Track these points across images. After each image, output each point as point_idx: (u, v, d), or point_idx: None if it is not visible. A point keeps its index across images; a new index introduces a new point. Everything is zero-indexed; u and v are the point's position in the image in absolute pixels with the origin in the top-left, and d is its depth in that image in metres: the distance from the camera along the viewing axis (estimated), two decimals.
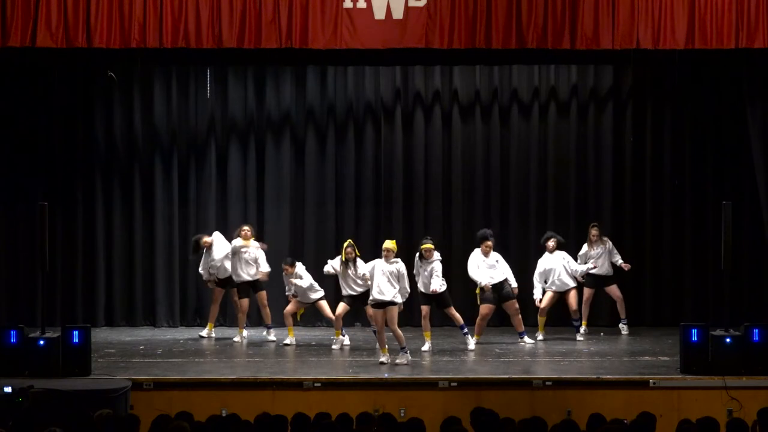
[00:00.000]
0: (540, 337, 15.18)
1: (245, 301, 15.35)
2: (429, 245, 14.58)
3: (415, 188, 16.91)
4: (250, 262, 15.26)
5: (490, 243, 14.84)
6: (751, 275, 16.20)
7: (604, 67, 16.73)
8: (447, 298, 14.58)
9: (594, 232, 15.73)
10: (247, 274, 15.25)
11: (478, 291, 14.82)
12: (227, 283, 15.49)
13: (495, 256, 14.89)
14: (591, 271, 15.47)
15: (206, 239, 15.51)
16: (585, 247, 15.73)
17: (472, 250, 16.60)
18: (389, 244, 13.55)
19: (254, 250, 15.29)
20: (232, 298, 15.65)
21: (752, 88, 14.35)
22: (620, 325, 15.80)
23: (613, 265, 15.73)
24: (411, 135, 16.94)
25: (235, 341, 15.23)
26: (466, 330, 14.48)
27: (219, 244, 15.46)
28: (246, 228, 15.43)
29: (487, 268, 14.78)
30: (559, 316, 15.75)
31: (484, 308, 14.77)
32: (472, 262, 14.85)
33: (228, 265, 15.33)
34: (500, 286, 14.78)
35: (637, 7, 13.43)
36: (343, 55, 14.03)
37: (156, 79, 16.78)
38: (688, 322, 13.02)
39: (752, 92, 14.37)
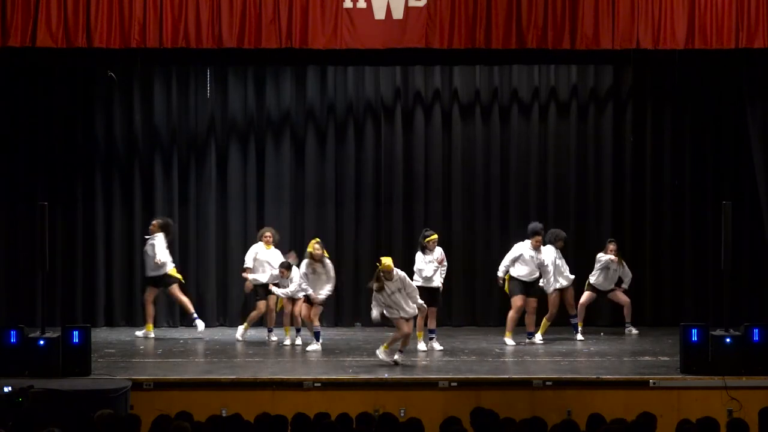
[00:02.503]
0: (539, 337, 15.18)
1: (262, 303, 15.33)
2: (435, 236, 14.62)
3: (415, 188, 16.91)
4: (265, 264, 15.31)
5: (540, 238, 14.81)
6: (751, 275, 16.19)
7: (604, 68, 16.73)
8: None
9: (612, 247, 15.61)
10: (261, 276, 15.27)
11: (507, 278, 14.84)
12: (160, 282, 15.54)
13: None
14: (595, 284, 15.51)
15: (153, 223, 15.63)
16: (605, 257, 15.56)
17: (472, 250, 16.65)
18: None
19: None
20: (173, 293, 15.62)
21: (752, 88, 14.35)
22: (627, 330, 15.74)
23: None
24: (411, 135, 16.94)
25: (239, 339, 15.26)
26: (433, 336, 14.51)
27: (159, 245, 15.49)
28: (268, 234, 15.38)
29: (535, 264, 14.83)
30: (559, 316, 15.74)
31: (518, 300, 14.74)
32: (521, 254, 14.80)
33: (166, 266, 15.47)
34: (535, 281, 14.88)
35: (637, 7, 13.44)
36: (343, 55, 14.02)
37: (156, 79, 16.78)
38: (688, 322, 13.02)
39: (752, 92, 14.36)
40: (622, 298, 15.72)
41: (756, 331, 12.52)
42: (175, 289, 15.63)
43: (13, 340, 12.39)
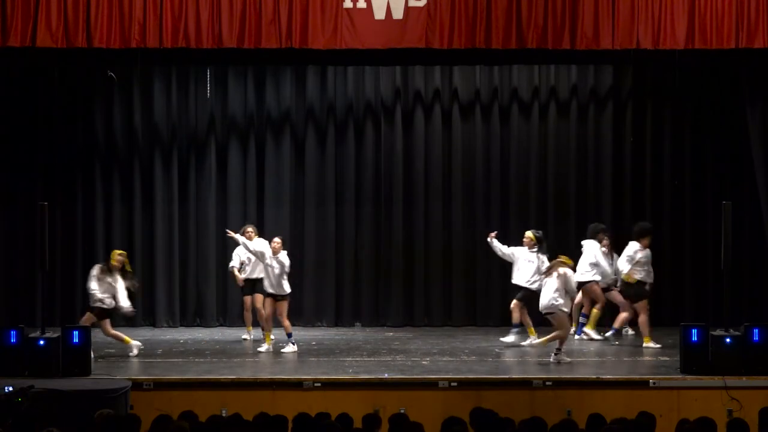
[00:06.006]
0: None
1: (247, 298, 15.32)
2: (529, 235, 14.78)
3: (415, 188, 16.91)
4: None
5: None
6: (751, 275, 16.19)
7: (604, 68, 16.74)
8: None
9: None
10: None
11: (632, 281, 14.67)
12: None
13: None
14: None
15: None
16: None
17: (472, 250, 16.59)
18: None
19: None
20: None
21: (752, 88, 14.35)
22: (624, 330, 15.69)
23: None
24: (411, 134, 16.95)
25: (244, 339, 15.24)
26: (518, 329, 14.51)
27: None
28: (249, 230, 15.22)
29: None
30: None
31: (646, 303, 14.63)
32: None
33: None
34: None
35: (637, 7, 13.44)
36: (343, 55, 14.02)
37: (156, 78, 16.78)
38: (688, 322, 13.02)
39: (752, 92, 14.37)
40: (618, 299, 15.70)
41: (756, 331, 12.52)
42: None
43: (13, 340, 12.39)
